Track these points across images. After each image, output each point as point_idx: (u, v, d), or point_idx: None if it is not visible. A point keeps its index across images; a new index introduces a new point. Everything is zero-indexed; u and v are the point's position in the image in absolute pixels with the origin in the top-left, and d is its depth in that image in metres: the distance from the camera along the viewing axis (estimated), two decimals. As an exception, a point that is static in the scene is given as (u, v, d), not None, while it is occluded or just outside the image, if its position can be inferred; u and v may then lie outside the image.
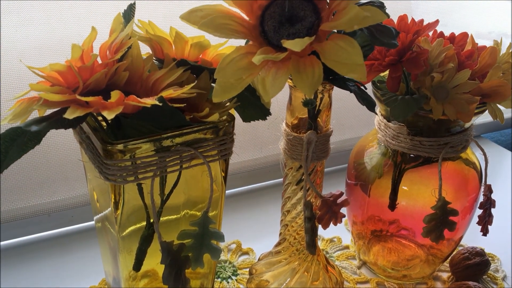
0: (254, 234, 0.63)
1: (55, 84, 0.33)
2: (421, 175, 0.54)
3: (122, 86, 0.36)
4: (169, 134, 0.34)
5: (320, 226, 0.45)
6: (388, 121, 0.51)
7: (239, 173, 0.72)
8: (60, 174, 0.60)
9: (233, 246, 0.62)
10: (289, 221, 0.50)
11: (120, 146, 0.33)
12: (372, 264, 0.59)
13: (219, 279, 0.56)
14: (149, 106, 0.31)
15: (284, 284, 0.51)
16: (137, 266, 0.42)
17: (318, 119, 0.45)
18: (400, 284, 0.58)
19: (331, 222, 0.47)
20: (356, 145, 0.58)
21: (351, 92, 0.39)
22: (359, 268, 0.60)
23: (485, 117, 0.93)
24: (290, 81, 0.43)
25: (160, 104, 0.31)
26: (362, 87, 0.42)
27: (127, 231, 0.40)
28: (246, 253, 0.61)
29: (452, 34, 0.50)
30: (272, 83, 0.30)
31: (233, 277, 0.57)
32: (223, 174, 0.41)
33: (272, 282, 0.52)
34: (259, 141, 0.72)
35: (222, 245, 0.61)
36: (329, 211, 0.47)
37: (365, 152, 0.56)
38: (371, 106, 0.40)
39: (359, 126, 0.79)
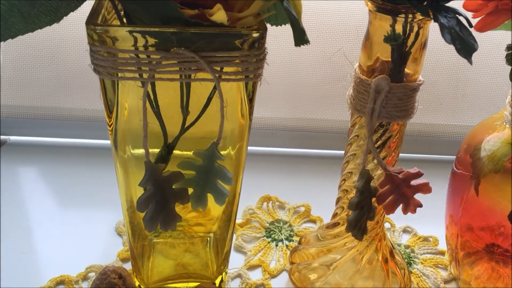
0: (331, 203, 0.53)
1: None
2: None
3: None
4: (152, 29, 0.27)
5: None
6: (523, 94, 0.36)
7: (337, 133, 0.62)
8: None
9: (302, 209, 0.53)
10: (350, 186, 0.39)
11: (97, 28, 0.28)
12: (465, 283, 0.45)
13: (269, 239, 0.49)
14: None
15: (332, 263, 0.41)
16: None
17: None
18: (492, 320, 0.43)
19: (399, 208, 0.36)
20: (477, 125, 0.43)
21: (436, 21, 0.27)
22: (445, 282, 0.46)
23: None
24: (369, 3, 0.32)
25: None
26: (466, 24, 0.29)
27: (130, 153, 0.35)
28: (313, 221, 0.52)
29: None
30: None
31: (286, 242, 0.49)
32: (249, 106, 0.33)
33: (317, 258, 0.42)
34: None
35: (290, 204, 0.53)
36: (396, 192, 0.36)
37: (486, 138, 0.41)
38: (464, 51, 0.27)
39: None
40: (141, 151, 0.35)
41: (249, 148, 0.62)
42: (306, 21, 0.30)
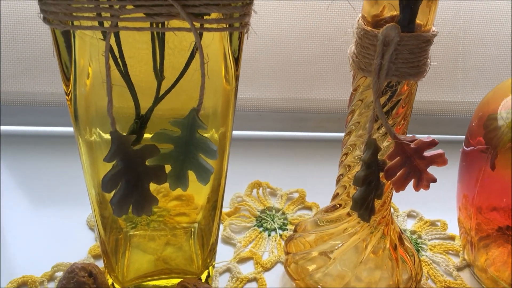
0: (327, 188, 0.48)
1: None
2: None
3: None
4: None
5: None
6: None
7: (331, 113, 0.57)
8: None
9: (295, 195, 0.48)
10: (352, 161, 0.34)
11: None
12: (480, 270, 0.41)
13: (261, 229, 0.44)
14: None
15: (333, 250, 0.36)
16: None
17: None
18: (513, 309, 0.38)
19: (410, 184, 0.31)
20: (491, 91, 0.39)
21: None
22: (458, 270, 0.41)
23: None
24: None
25: None
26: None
27: (98, 133, 0.29)
28: (309, 208, 0.47)
29: None
30: None
31: (279, 231, 0.44)
32: (234, 67, 0.28)
33: (315, 246, 0.37)
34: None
35: (282, 191, 0.48)
36: (407, 165, 0.31)
37: (502, 103, 0.37)
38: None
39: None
40: (101, 138, 0.29)
41: (236, 132, 0.57)
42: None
